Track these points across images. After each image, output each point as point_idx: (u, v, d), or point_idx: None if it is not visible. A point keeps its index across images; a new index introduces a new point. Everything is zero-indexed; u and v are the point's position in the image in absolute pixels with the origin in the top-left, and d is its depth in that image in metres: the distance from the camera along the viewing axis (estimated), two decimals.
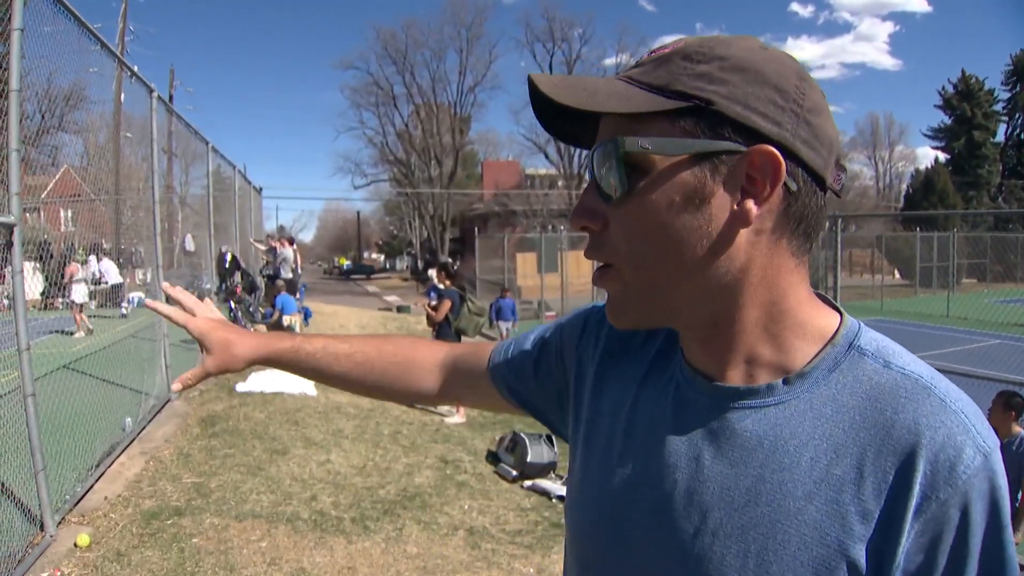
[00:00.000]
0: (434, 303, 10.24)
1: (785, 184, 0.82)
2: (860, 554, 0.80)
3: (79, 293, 9.50)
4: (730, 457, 0.88)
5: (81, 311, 9.93)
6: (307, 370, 1.40)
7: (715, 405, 0.91)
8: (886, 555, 0.79)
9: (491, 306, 16.04)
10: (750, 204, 0.82)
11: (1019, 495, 5.49)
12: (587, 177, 0.88)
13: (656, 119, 0.82)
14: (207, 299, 1.51)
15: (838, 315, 0.93)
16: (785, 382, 0.88)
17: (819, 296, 0.95)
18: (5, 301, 5.65)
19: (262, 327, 13.26)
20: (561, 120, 0.92)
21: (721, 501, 0.87)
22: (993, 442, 0.81)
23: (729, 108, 0.81)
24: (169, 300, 1.49)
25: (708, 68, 0.82)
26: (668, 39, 0.95)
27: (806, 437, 0.85)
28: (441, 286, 10.32)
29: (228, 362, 1.39)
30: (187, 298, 1.45)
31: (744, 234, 0.84)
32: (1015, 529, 5.40)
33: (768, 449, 0.86)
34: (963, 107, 58.36)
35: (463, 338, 10.46)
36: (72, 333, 10.25)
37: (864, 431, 0.82)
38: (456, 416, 10.08)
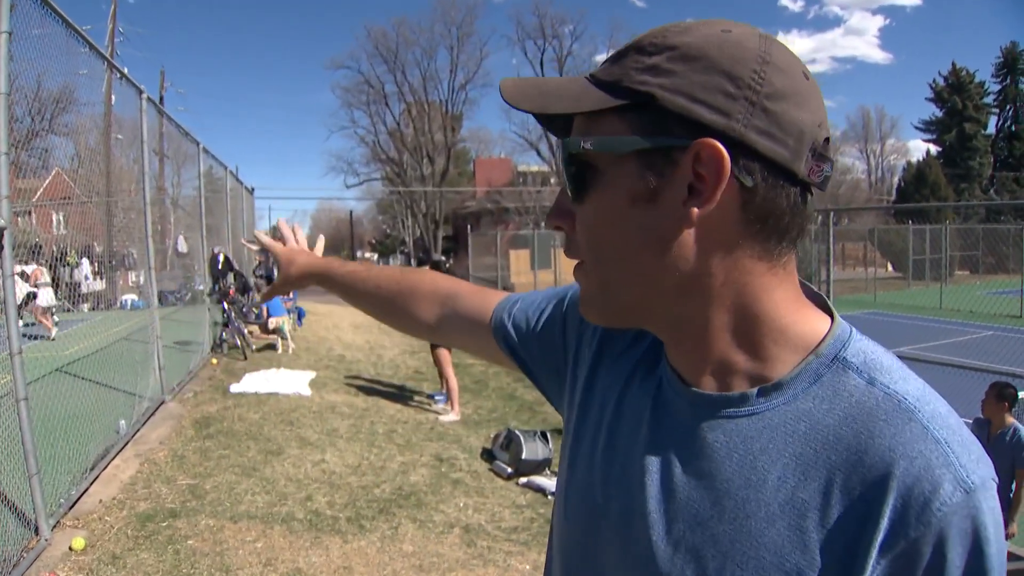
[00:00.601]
0: None
1: (739, 179, 0.76)
2: None
3: (44, 297, 9.45)
4: (697, 468, 0.84)
5: (45, 314, 9.84)
6: (338, 288, 1.59)
7: (690, 410, 0.87)
8: None
9: None
10: (692, 200, 0.78)
11: (1012, 486, 5.50)
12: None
13: (608, 117, 0.80)
14: (299, 232, 1.81)
15: (828, 320, 0.87)
16: (760, 392, 0.82)
17: (812, 296, 0.90)
18: None
19: (255, 327, 13.24)
20: (547, 119, 0.90)
21: (686, 513, 0.84)
22: (980, 478, 0.72)
23: (672, 101, 0.76)
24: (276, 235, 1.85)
25: (657, 60, 0.78)
26: None
27: (776, 454, 0.79)
28: None
29: (287, 275, 1.69)
30: (286, 231, 1.81)
31: (691, 235, 0.80)
32: (1009, 520, 5.43)
33: (737, 463, 0.81)
34: (954, 100, 58.50)
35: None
36: (49, 337, 10.17)
37: (836, 454, 0.76)
38: (451, 414, 10.09)
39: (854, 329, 0.86)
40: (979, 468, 0.73)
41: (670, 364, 0.92)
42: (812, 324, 0.85)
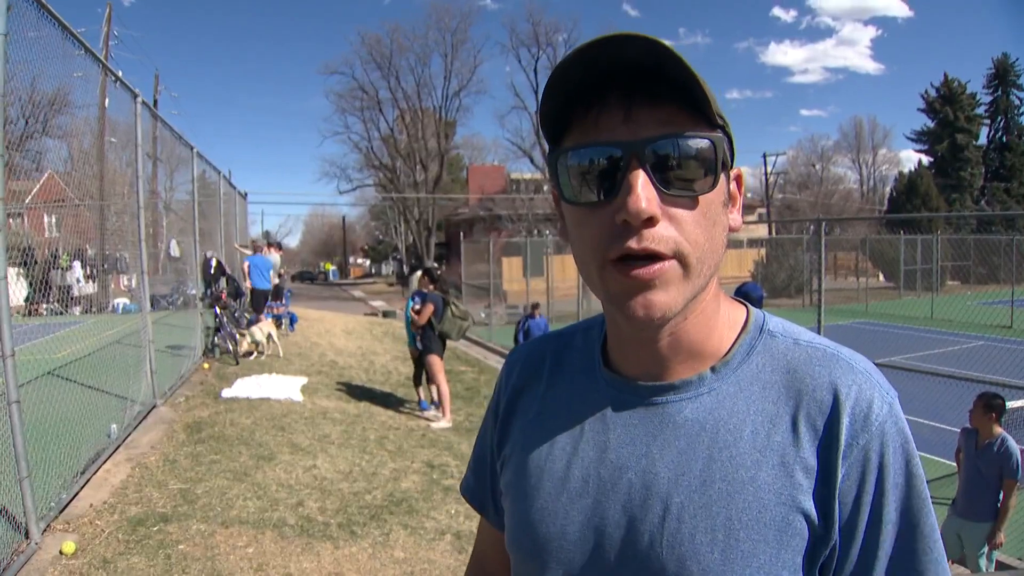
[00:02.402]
0: (418, 307, 10.22)
1: None
2: (810, 504, 0.91)
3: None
4: (677, 447, 0.96)
5: None
6: None
7: (651, 403, 1.00)
8: (828, 500, 0.91)
9: (519, 326, 14.24)
10: (735, 213, 1.00)
11: (1000, 495, 5.51)
12: (640, 164, 0.87)
13: (705, 126, 0.90)
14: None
15: (744, 308, 1.07)
16: (712, 370, 0.99)
17: None
18: None
19: (246, 331, 13.18)
20: (564, 100, 0.92)
21: (678, 487, 0.94)
22: (894, 393, 0.96)
23: (730, 134, 0.95)
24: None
25: (714, 95, 0.89)
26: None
27: (743, 415, 0.95)
28: (424, 291, 10.31)
29: None
30: None
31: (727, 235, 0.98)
32: (998, 529, 5.45)
33: (711, 431, 0.96)
34: (946, 111, 58.76)
35: (447, 341, 10.44)
36: None
37: (791, 399, 0.95)
38: (442, 421, 10.08)
39: (764, 311, 1.07)
40: (891, 388, 0.96)
41: (617, 371, 1.05)
42: (737, 310, 1.06)
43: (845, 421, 0.91)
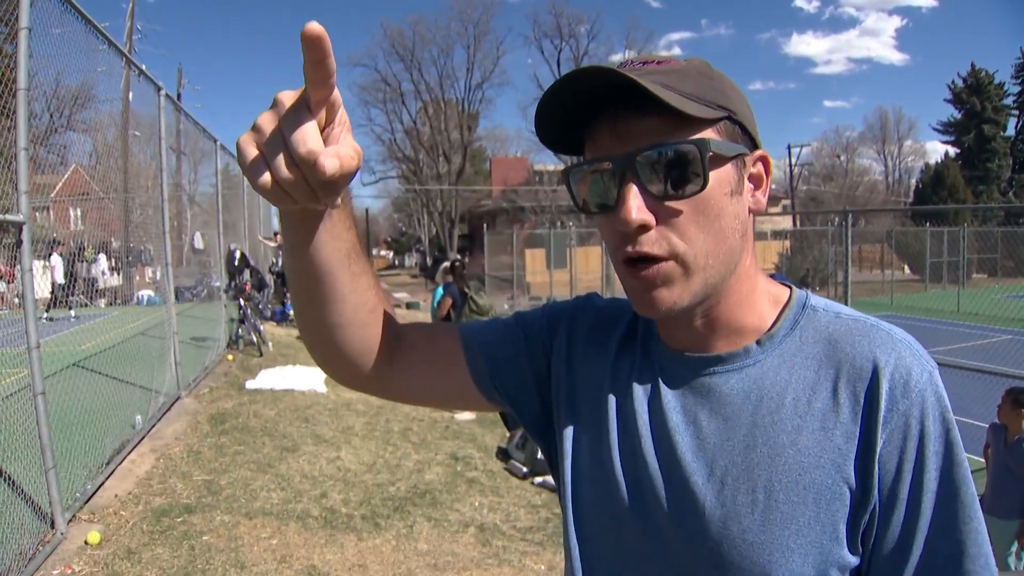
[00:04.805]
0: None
1: None
2: (851, 469, 0.94)
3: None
4: (723, 414, 1.01)
5: None
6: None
7: (700, 374, 1.05)
8: (869, 465, 0.94)
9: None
10: (759, 194, 1.04)
11: None
12: (631, 175, 0.94)
13: (699, 123, 0.94)
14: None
15: (787, 287, 1.11)
16: (758, 343, 1.04)
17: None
18: (16, 300, 5.66)
19: (271, 324, 13.25)
20: (561, 121, 1.01)
21: (723, 451, 1.00)
22: (934, 364, 0.98)
23: (743, 119, 1.00)
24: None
25: (719, 85, 0.99)
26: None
27: (784, 384, 1.00)
28: (446, 284, 10.32)
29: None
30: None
31: (751, 220, 1.04)
32: (1022, 532, 5.36)
33: (755, 400, 1.00)
34: (973, 101, 58.15)
35: None
36: None
37: (832, 368, 0.98)
38: (466, 412, 10.08)
39: (806, 290, 1.11)
40: (930, 358, 0.99)
41: (667, 346, 1.10)
42: (779, 288, 1.10)
43: (885, 387, 0.94)
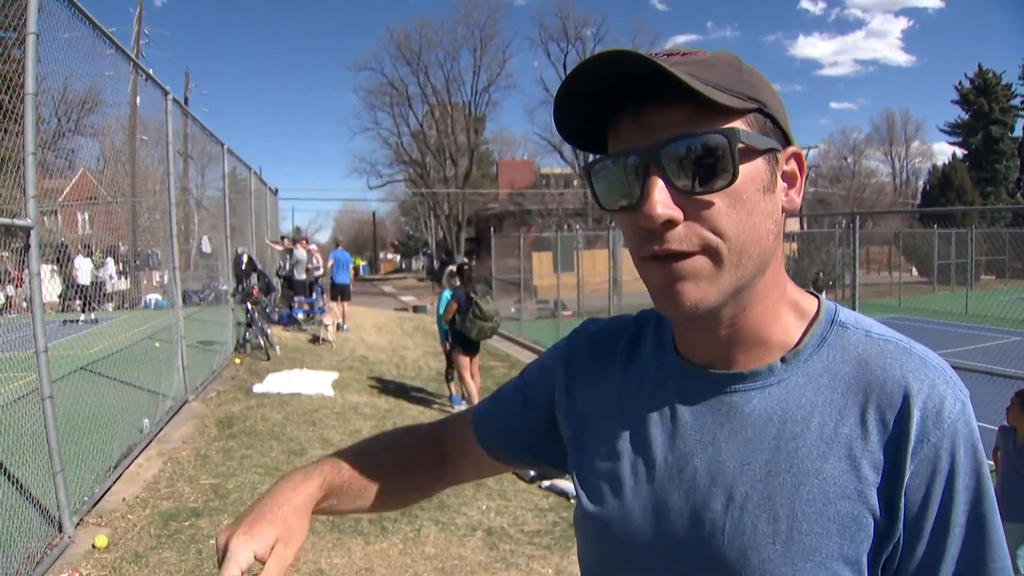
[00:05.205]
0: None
1: None
2: (875, 500, 0.89)
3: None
4: (744, 436, 0.96)
5: None
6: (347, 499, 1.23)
7: (720, 391, 1.00)
8: (894, 496, 0.89)
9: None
10: (793, 193, 0.98)
11: None
12: (656, 168, 0.89)
13: (728, 114, 0.89)
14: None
15: (815, 298, 1.05)
16: (783, 361, 0.98)
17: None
18: (24, 304, 5.68)
19: (278, 328, 13.28)
20: (582, 113, 0.96)
21: (743, 476, 0.94)
22: (966, 392, 0.93)
23: (775, 112, 0.95)
24: None
25: (748, 77, 0.94)
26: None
27: (810, 406, 0.94)
28: (453, 287, 10.32)
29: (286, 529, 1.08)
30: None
31: (783, 218, 0.98)
32: None
33: (778, 423, 0.95)
34: (980, 102, 57.97)
35: (467, 340, 10.35)
36: None
37: (860, 392, 0.93)
38: None
39: (835, 302, 1.05)
40: (964, 386, 0.93)
41: (684, 357, 1.05)
42: (807, 298, 1.04)
43: (916, 417, 0.89)
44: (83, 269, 8.01)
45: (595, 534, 1.08)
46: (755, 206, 0.91)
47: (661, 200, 0.87)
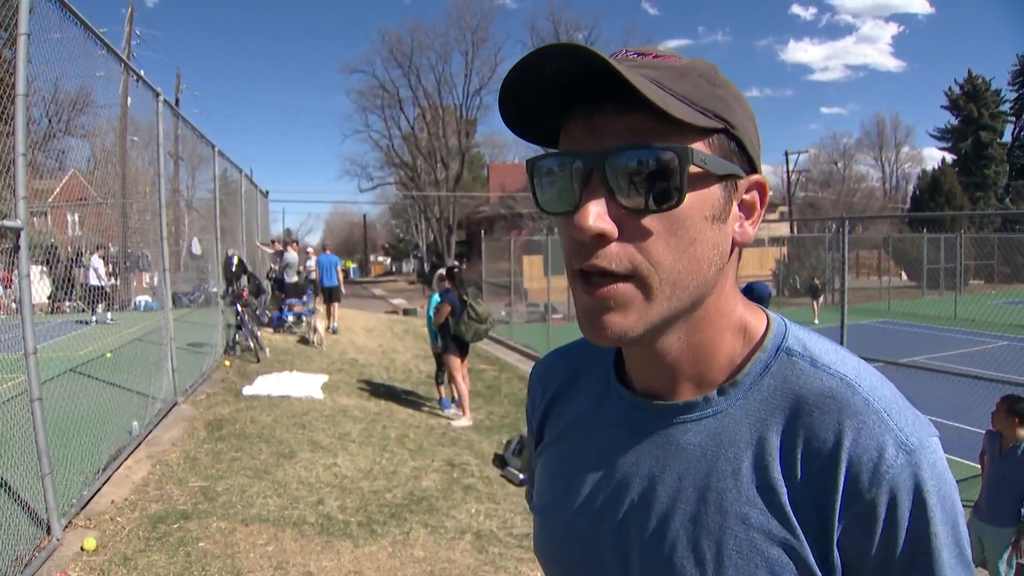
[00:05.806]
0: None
1: None
2: (806, 550, 0.83)
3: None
4: (678, 470, 0.92)
5: None
6: None
7: (661, 423, 0.95)
8: (827, 550, 0.83)
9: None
10: (748, 225, 0.91)
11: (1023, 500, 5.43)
12: (599, 177, 0.82)
13: (689, 131, 0.81)
14: None
15: (764, 316, 0.98)
16: (720, 392, 0.92)
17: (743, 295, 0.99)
18: (13, 305, 5.66)
19: (268, 331, 13.27)
20: (531, 109, 0.88)
21: (675, 513, 0.91)
22: (918, 439, 0.83)
23: (744, 136, 0.87)
24: None
25: (722, 93, 0.86)
26: (672, 44, 0.95)
27: (744, 444, 0.89)
28: (445, 290, 10.33)
29: None
30: None
31: (734, 253, 0.91)
32: (1022, 534, 5.34)
33: (711, 459, 0.90)
34: (970, 108, 58.21)
35: (461, 342, 10.36)
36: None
37: (794, 434, 0.86)
38: (463, 419, 10.08)
39: (786, 319, 0.98)
40: (916, 431, 0.84)
41: (630, 386, 1.01)
42: (756, 320, 0.96)
43: (847, 470, 0.82)
44: (100, 269, 8.04)
45: (544, 567, 1.09)
46: (699, 235, 0.84)
47: (595, 212, 0.81)
